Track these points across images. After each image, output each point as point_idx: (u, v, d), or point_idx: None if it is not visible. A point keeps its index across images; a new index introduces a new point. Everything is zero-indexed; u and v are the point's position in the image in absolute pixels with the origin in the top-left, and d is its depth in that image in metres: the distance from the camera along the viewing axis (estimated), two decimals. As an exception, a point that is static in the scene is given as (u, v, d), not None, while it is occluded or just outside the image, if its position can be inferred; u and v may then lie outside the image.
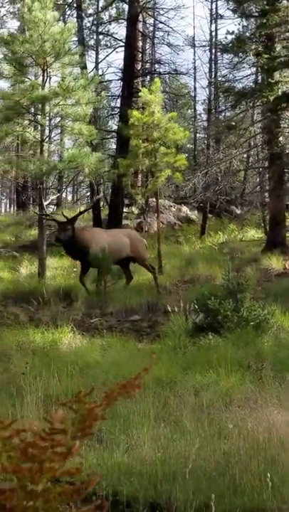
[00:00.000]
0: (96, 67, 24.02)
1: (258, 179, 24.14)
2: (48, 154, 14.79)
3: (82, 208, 25.57)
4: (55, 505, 1.01)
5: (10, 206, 57.54)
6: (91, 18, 25.42)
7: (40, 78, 14.14)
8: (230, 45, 18.80)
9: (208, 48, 28.15)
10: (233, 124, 20.02)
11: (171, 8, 29.25)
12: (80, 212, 13.73)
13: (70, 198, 46.10)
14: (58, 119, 15.02)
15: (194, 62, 34.13)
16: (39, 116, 14.09)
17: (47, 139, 14.41)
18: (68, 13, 23.36)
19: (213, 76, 27.33)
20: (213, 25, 27.46)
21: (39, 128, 14.47)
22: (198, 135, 31.67)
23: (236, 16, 20.14)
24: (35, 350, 7.63)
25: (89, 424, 1.06)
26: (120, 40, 23.60)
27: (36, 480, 0.99)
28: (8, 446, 1.02)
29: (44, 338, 8.26)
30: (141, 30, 24.44)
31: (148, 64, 26.85)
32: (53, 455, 1.00)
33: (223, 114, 27.46)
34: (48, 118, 14.90)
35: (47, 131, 14.82)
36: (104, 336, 8.77)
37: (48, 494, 1.00)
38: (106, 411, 1.11)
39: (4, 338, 8.14)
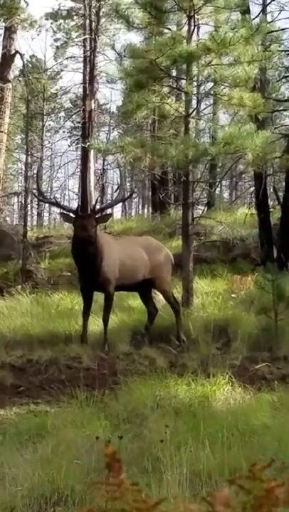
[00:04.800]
0: (263, 11, 23.94)
1: None
2: (195, 134, 14.94)
3: (245, 210, 25.55)
4: None
5: (143, 207, 58.62)
6: None
7: (185, 28, 14.33)
8: None
9: None
10: None
11: None
12: (111, 204, 13.58)
13: (226, 194, 46.36)
14: (210, 84, 15.12)
15: None
16: (183, 82, 14.25)
17: (194, 112, 14.54)
18: None
19: None
20: None
21: (183, 98, 14.61)
22: None
23: None
24: (178, 408, 7.68)
25: (267, 511, 1.04)
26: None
27: None
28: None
29: (190, 391, 8.31)
30: None
31: None
32: None
33: None
34: (195, 84, 15.04)
35: (194, 103, 14.96)
36: (274, 390, 8.71)
37: None
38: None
39: (136, 391, 8.25)
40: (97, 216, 12.05)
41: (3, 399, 8.82)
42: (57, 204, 13.31)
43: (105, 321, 11.89)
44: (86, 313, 11.97)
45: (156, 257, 12.61)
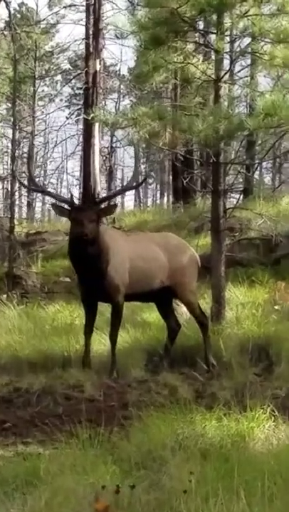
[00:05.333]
0: None
1: None
2: (228, 103, 14.94)
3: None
4: None
5: (162, 195, 58.74)
6: None
7: None
8: None
9: None
10: None
11: None
12: (119, 192, 13.46)
13: (268, 179, 46.35)
14: (247, 40, 15.12)
15: None
16: (213, 37, 14.24)
17: (226, 75, 14.55)
18: None
19: None
20: None
21: (212, 57, 14.61)
22: None
23: None
24: (206, 450, 7.66)
25: None
26: None
27: None
28: None
29: (222, 429, 8.28)
30: None
31: None
32: None
33: None
34: (228, 39, 15.03)
35: (226, 63, 14.97)
36: None
37: None
38: None
39: (152, 428, 8.23)
40: (100, 207, 11.95)
41: (-16, 438, 8.84)
42: (45, 191, 13.21)
43: (113, 339, 11.86)
44: (89, 329, 11.94)
45: (177, 259, 12.51)
